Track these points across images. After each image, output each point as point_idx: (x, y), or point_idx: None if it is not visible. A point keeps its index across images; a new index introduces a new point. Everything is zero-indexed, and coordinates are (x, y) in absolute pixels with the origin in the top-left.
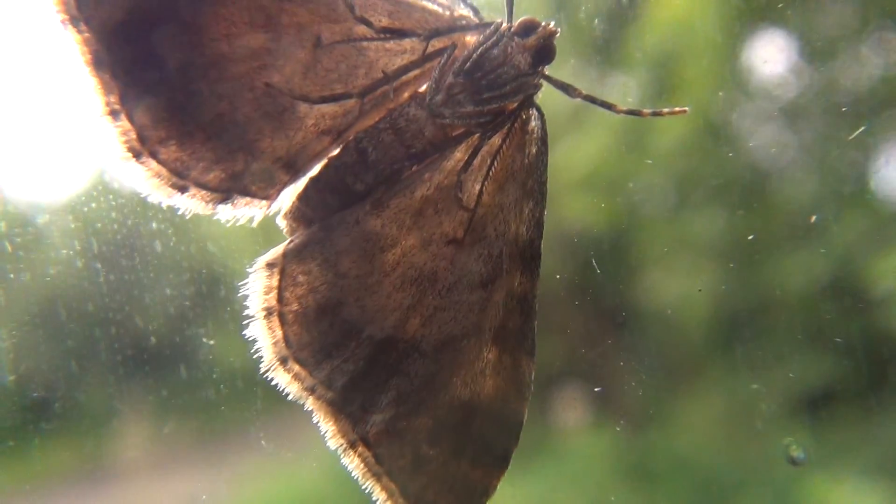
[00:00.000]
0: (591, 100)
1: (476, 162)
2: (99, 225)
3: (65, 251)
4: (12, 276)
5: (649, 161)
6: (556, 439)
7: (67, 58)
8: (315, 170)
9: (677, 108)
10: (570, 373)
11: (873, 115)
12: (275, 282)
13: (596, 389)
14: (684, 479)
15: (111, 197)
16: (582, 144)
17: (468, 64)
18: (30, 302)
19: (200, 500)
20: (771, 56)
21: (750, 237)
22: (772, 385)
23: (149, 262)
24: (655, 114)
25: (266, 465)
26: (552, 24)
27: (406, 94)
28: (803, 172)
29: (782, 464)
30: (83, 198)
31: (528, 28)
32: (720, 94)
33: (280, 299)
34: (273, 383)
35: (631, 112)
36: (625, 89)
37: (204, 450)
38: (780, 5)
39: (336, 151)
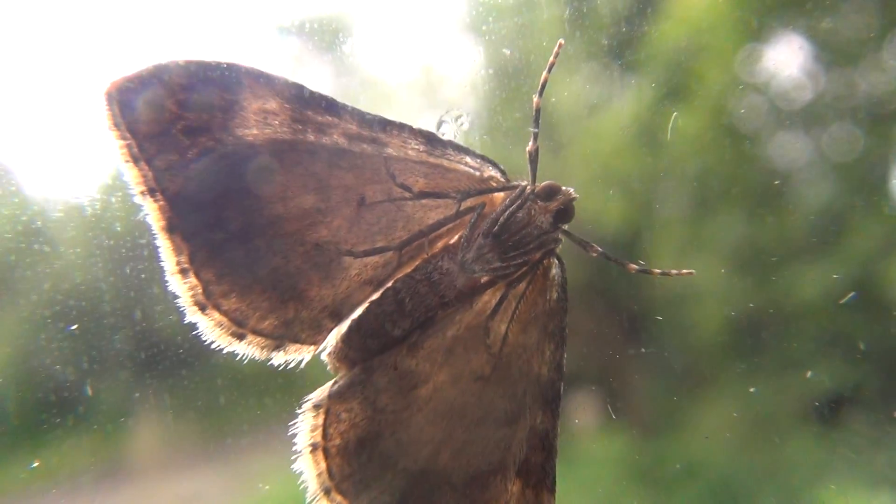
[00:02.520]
0: (606, 257)
1: (502, 306)
2: (116, 223)
3: (79, 249)
4: (27, 273)
5: (663, 163)
6: (568, 444)
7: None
8: (357, 313)
9: (684, 270)
10: (582, 376)
11: (893, 120)
12: (320, 420)
13: (630, 408)
14: (697, 484)
15: (128, 195)
16: (598, 146)
17: (496, 227)
18: (44, 300)
19: (213, 499)
20: (789, 59)
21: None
22: (787, 390)
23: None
24: (664, 273)
25: (279, 465)
26: (571, 190)
27: (440, 244)
28: (821, 177)
29: (796, 470)
30: (100, 196)
31: (550, 192)
32: (736, 95)
33: (325, 435)
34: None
35: (642, 270)
36: (641, 91)
37: (217, 449)
38: (798, 8)
39: (377, 296)
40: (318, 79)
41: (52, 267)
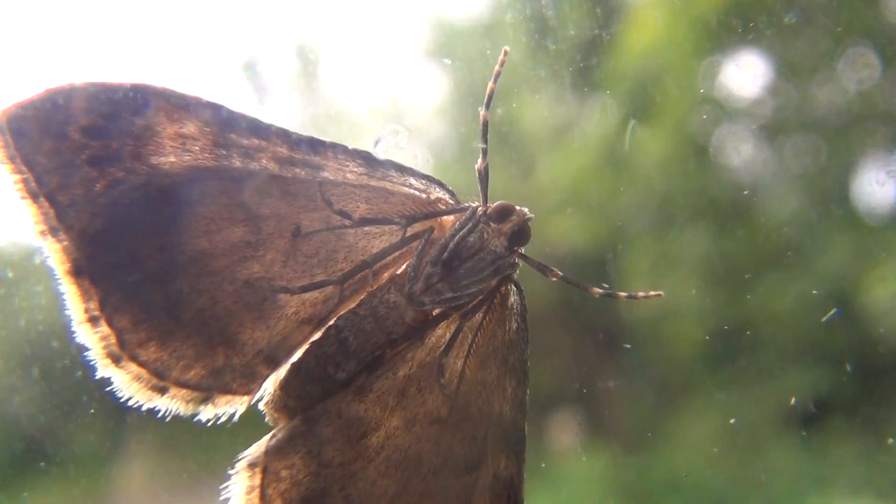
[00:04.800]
0: (568, 280)
1: (457, 339)
2: (6, 269)
3: (50, 291)
4: None
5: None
6: (551, 463)
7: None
8: (296, 356)
9: (652, 293)
10: (562, 395)
11: (851, 130)
12: (257, 481)
13: (612, 424)
14: (681, 497)
15: (20, 237)
16: (566, 165)
17: (445, 253)
18: (16, 343)
19: None
20: (748, 76)
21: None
22: (766, 401)
23: None
24: (630, 296)
25: None
26: (526, 209)
27: (386, 275)
28: (785, 188)
29: (780, 480)
30: None
31: (503, 213)
32: (699, 113)
33: (263, 497)
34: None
35: (607, 294)
36: (605, 112)
37: (197, 489)
38: (756, 27)
39: (317, 336)
40: (286, 111)
41: (25, 310)
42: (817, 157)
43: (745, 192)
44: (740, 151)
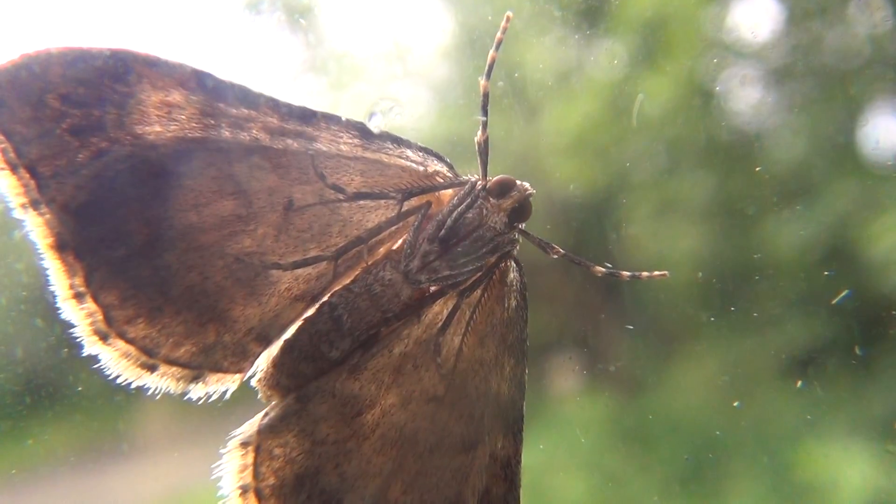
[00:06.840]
0: (570, 258)
1: (455, 317)
2: None
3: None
4: None
5: (636, 125)
6: (551, 406)
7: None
8: (289, 333)
9: (656, 273)
10: (563, 339)
11: (859, 76)
12: (250, 459)
13: (612, 368)
14: (679, 441)
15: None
16: (570, 109)
17: (443, 231)
18: (19, 284)
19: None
20: (756, 19)
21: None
22: (764, 347)
23: None
24: (634, 276)
25: None
26: (527, 184)
27: (381, 251)
28: (792, 134)
29: (776, 425)
30: None
31: (504, 188)
32: (706, 57)
33: (256, 475)
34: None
35: (610, 273)
36: (612, 55)
37: (210, 425)
38: None
39: (310, 313)
40: (287, 52)
41: (25, 253)
42: (825, 102)
43: (751, 137)
44: (747, 96)
